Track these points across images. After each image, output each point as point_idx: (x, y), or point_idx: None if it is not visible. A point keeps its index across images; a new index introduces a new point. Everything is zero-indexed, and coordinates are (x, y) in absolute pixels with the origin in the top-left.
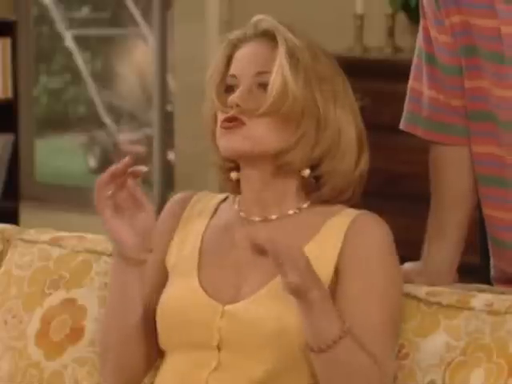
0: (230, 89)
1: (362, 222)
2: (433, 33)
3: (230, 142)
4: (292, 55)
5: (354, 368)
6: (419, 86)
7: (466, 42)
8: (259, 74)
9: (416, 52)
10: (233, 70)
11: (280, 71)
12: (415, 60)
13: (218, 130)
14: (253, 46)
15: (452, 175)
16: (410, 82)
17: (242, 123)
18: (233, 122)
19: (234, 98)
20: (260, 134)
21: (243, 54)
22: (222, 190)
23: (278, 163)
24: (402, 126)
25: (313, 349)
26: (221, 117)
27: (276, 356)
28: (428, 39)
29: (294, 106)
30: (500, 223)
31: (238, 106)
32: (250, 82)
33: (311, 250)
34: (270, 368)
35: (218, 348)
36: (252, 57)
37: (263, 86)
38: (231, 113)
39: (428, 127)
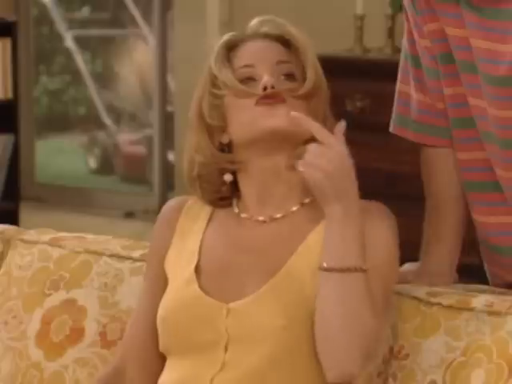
0: (244, 80)
1: (367, 209)
2: (415, 36)
3: (273, 118)
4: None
5: (353, 307)
6: (407, 88)
7: (443, 49)
8: (281, 62)
9: (402, 54)
10: (247, 60)
11: (311, 59)
12: (402, 62)
13: (252, 110)
14: (258, 41)
15: (443, 177)
16: (398, 85)
17: (284, 99)
18: (274, 98)
19: (268, 80)
20: (298, 113)
21: (254, 46)
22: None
23: (294, 153)
24: (391, 129)
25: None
26: (250, 101)
27: (280, 348)
28: (412, 41)
29: (324, 95)
30: (493, 228)
31: (273, 87)
32: (272, 70)
33: (314, 238)
34: (274, 359)
35: (226, 347)
36: (266, 48)
37: (286, 75)
38: (269, 91)
39: (417, 130)
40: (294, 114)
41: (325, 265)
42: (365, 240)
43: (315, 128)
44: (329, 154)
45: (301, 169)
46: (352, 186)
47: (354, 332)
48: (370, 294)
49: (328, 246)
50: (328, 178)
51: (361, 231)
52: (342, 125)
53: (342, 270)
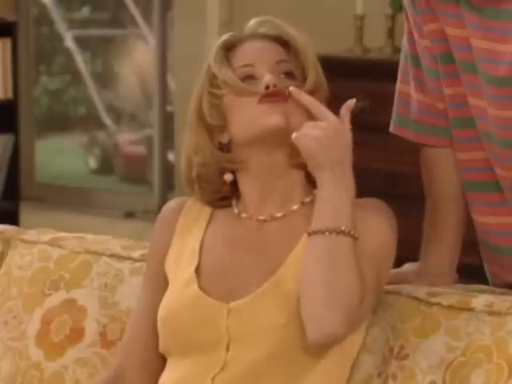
0: (244, 79)
1: (361, 203)
2: (415, 36)
3: (276, 116)
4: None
5: (336, 267)
6: (407, 88)
7: (443, 49)
8: (281, 61)
9: (402, 54)
10: (247, 60)
11: (312, 59)
12: (402, 62)
13: (255, 108)
14: (257, 41)
15: (443, 177)
16: (398, 85)
17: (286, 98)
18: (277, 96)
19: (270, 78)
20: (300, 112)
21: (253, 46)
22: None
23: (293, 152)
24: (391, 129)
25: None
26: (252, 99)
27: (281, 345)
28: (412, 41)
29: (324, 95)
30: (493, 228)
31: (275, 86)
32: (273, 69)
33: None
34: (275, 356)
35: (227, 347)
36: (265, 48)
37: (285, 73)
38: (271, 89)
39: (417, 130)
40: (292, 88)
41: (312, 229)
42: (360, 231)
43: (310, 101)
44: (322, 125)
45: (294, 137)
46: (346, 155)
47: (336, 291)
48: (357, 261)
49: (317, 210)
50: (320, 147)
51: (352, 201)
52: (352, 101)
53: (329, 231)
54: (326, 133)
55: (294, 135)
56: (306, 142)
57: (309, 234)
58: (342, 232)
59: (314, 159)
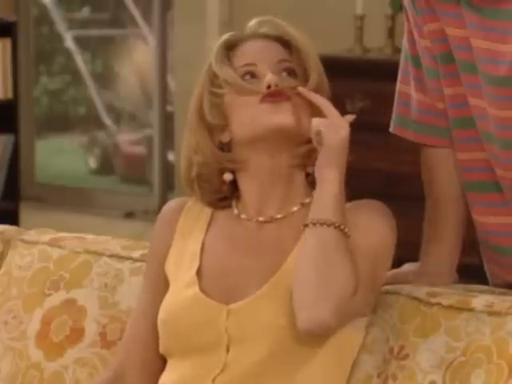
0: (245, 78)
1: (361, 204)
2: (415, 36)
3: (278, 115)
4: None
5: (329, 257)
6: (407, 88)
7: (443, 49)
8: (282, 61)
9: (402, 55)
10: (248, 59)
11: (313, 59)
12: (402, 63)
13: (256, 107)
14: (258, 41)
15: (443, 177)
16: (398, 85)
17: (288, 97)
18: (279, 96)
19: (272, 78)
20: (301, 111)
21: (254, 46)
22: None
23: (294, 152)
24: (391, 129)
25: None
26: (254, 98)
27: (280, 347)
28: (413, 41)
29: (326, 95)
30: (493, 228)
31: (277, 85)
32: (274, 69)
33: None
34: (275, 358)
35: (227, 348)
36: (267, 47)
37: (287, 71)
38: (273, 89)
39: (417, 130)
40: (301, 88)
41: (310, 220)
42: (359, 231)
43: (323, 103)
44: (345, 125)
45: (321, 128)
46: (345, 162)
47: (329, 281)
48: (351, 254)
49: (316, 203)
50: (340, 145)
51: (344, 203)
52: (352, 116)
53: (326, 224)
54: (347, 134)
55: (317, 122)
56: (331, 135)
57: (305, 225)
58: (338, 227)
59: (329, 154)
